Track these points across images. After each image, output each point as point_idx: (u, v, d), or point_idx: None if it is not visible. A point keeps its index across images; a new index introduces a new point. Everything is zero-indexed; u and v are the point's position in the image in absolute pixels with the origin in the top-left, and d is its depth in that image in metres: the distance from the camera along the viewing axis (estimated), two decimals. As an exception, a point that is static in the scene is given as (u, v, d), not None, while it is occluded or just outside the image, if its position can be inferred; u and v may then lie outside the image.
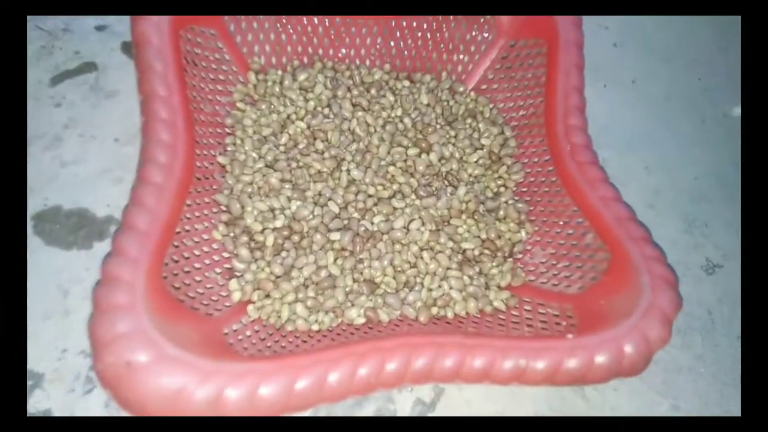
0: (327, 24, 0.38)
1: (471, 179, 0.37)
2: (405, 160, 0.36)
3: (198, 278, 0.29)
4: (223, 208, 0.32)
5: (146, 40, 0.30)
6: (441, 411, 0.32)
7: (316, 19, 0.38)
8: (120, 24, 0.40)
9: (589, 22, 0.45)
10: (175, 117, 0.29)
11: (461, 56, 0.41)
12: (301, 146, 0.35)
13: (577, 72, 0.36)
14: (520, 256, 0.36)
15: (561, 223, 0.35)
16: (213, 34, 0.35)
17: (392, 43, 0.40)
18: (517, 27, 0.39)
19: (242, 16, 0.36)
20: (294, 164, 0.34)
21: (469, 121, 0.39)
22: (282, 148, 0.35)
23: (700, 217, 0.44)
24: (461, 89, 0.41)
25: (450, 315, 0.32)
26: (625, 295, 0.29)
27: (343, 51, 0.40)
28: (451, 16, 0.39)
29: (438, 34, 0.40)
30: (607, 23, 0.50)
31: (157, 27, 0.30)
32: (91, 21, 0.40)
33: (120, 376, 0.21)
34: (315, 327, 0.30)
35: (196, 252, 0.29)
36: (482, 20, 0.40)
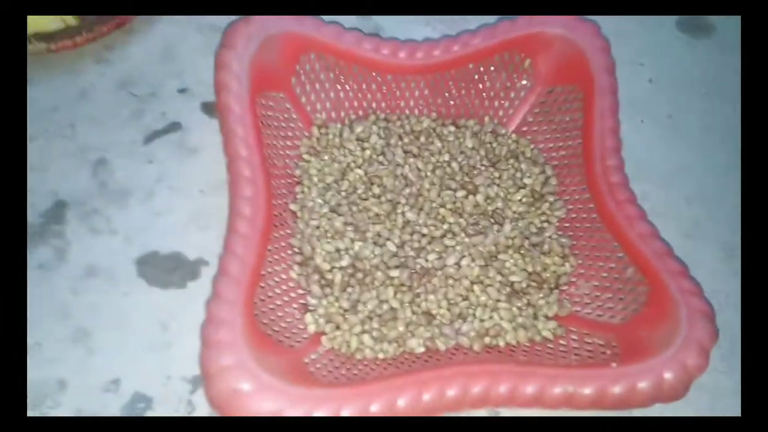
0: (380, 80, 0.43)
1: (516, 216, 0.40)
2: (454, 202, 0.39)
3: (280, 314, 0.33)
4: (297, 251, 0.37)
5: (229, 109, 0.35)
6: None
7: (370, 76, 0.42)
8: (198, 86, 0.46)
9: (623, 59, 0.47)
10: (256, 174, 0.34)
11: (502, 102, 0.45)
12: (360, 191, 0.40)
13: (612, 115, 0.39)
14: (565, 287, 0.38)
15: (603, 257, 0.37)
16: (282, 97, 0.40)
17: (438, 93, 0.44)
18: (553, 74, 0.42)
19: (306, 79, 0.41)
20: (354, 208, 0.39)
21: (511, 161, 0.43)
22: (343, 194, 0.40)
23: (738, 247, 0.46)
24: (503, 132, 0.45)
25: (502, 344, 0.35)
26: (665, 326, 0.31)
27: (394, 103, 0.44)
28: (492, 67, 0.43)
29: (480, 84, 0.44)
30: (641, 59, 0.53)
31: (237, 97, 0.35)
32: (174, 84, 0.46)
33: (229, 401, 0.25)
34: (381, 355, 0.33)
35: (277, 291, 0.34)
36: (521, 69, 0.43)
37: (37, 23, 0.41)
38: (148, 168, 0.42)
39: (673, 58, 0.54)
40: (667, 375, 0.29)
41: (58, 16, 0.41)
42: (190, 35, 0.48)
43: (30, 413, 0.32)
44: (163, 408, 0.33)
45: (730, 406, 0.38)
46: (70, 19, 0.42)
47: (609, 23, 0.48)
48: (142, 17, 0.47)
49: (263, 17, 0.38)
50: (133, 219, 0.39)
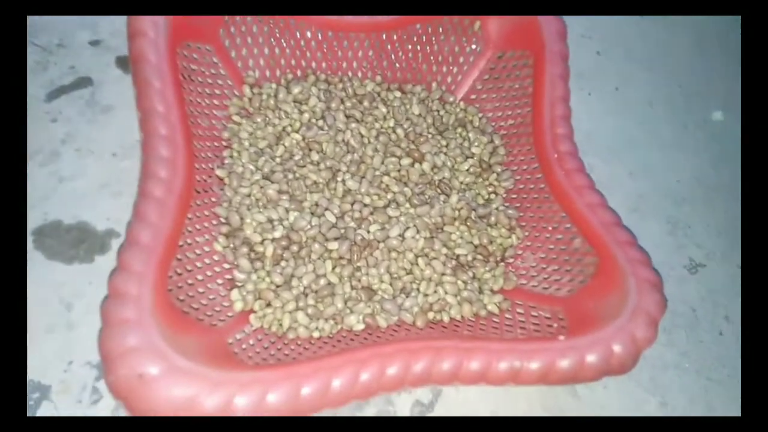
0: (320, 37, 0.39)
1: (463, 187, 0.38)
2: (399, 170, 0.37)
3: (201, 290, 0.29)
4: (223, 220, 0.33)
5: (144, 58, 0.30)
6: (439, 411, 0.34)
7: (309, 33, 0.39)
8: (114, 38, 0.41)
9: (572, 32, 0.46)
10: (174, 133, 0.30)
11: (451, 67, 0.42)
12: (297, 158, 0.36)
13: (563, 83, 0.38)
14: (511, 260, 0.37)
15: (550, 228, 0.36)
16: (208, 49, 0.36)
17: (383, 56, 0.41)
18: (504, 39, 0.40)
19: (237, 32, 0.37)
20: (290, 175, 0.35)
21: (459, 130, 0.40)
22: (278, 160, 0.36)
23: (683, 219, 0.46)
24: (451, 99, 0.42)
25: (446, 319, 0.33)
26: (613, 297, 0.30)
27: (335, 64, 0.41)
28: (440, 28, 0.40)
29: (428, 47, 0.41)
30: (590, 33, 0.52)
31: (154, 44, 0.31)
32: (86, 36, 0.41)
33: (132, 388, 0.22)
34: (316, 334, 0.31)
35: (198, 264, 0.30)
36: (470, 32, 0.41)
37: None
38: (52, 127, 0.37)
39: (621, 32, 0.53)
40: (616, 347, 0.27)
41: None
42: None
43: None
44: (62, 398, 0.29)
45: (672, 380, 0.38)
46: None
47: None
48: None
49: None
50: (32, 183, 0.34)
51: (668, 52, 0.53)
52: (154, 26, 0.31)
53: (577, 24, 0.51)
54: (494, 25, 0.40)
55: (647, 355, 0.38)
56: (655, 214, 0.45)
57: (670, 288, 0.39)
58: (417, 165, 0.37)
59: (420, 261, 0.34)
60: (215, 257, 0.32)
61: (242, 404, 0.23)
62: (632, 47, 0.53)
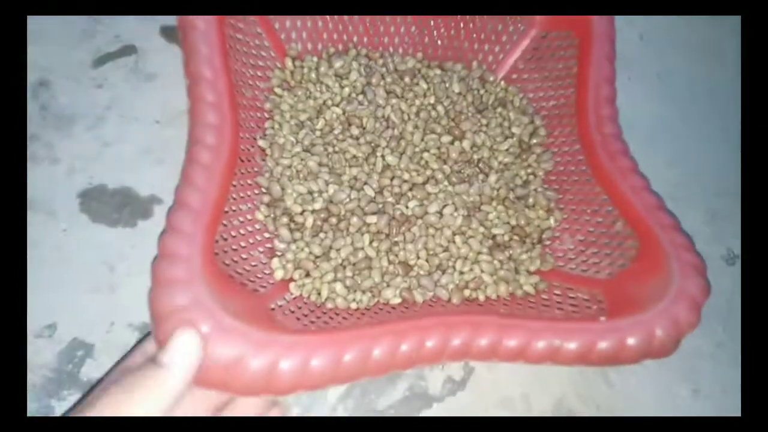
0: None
1: (501, 167, 0.38)
2: (438, 147, 0.37)
3: (244, 256, 0.30)
4: (264, 190, 0.33)
5: (192, 24, 0.31)
6: (470, 390, 0.34)
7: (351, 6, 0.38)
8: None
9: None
10: (221, 100, 0.30)
11: (493, 46, 0.42)
12: (336, 131, 0.36)
13: (609, 64, 0.37)
14: (548, 242, 0.36)
15: (590, 211, 0.35)
16: (253, 20, 0.36)
17: (425, 32, 0.41)
18: (549, 18, 0.40)
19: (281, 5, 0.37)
20: (330, 149, 0.35)
21: (499, 110, 0.40)
22: (318, 133, 0.36)
23: (721, 210, 0.45)
24: (491, 78, 0.42)
25: (482, 297, 0.33)
26: (655, 280, 0.30)
27: (377, 39, 0.40)
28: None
29: (471, 24, 0.41)
30: (633, 17, 0.51)
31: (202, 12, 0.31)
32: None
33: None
34: (353, 305, 0.31)
35: (242, 231, 0.30)
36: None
37: None
38: (97, 93, 0.37)
39: (665, 18, 0.52)
40: (658, 331, 0.27)
41: None
42: None
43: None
44: (104, 357, 0.30)
45: (706, 369, 0.38)
46: None
47: None
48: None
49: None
50: (77, 148, 0.35)
51: (714, 41, 0.51)
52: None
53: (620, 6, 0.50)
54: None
55: (682, 345, 0.38)
56: (692, 204, 0.45)
57: (707, 278, 0.40)
58: (457, 143, 0.37)
59: (457, 239, 0.34)
60: (257, 225, 0.32)
61: (286, 367, 0.23)
62: (676, 35, 0.51)
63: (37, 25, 0.37)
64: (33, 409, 0.29)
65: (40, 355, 0.29)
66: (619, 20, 0.50)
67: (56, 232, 0.33)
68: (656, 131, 0.47)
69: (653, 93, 0.49)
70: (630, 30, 0.51)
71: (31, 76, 0.37)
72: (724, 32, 0.52)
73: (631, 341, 0.27)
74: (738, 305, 0.41)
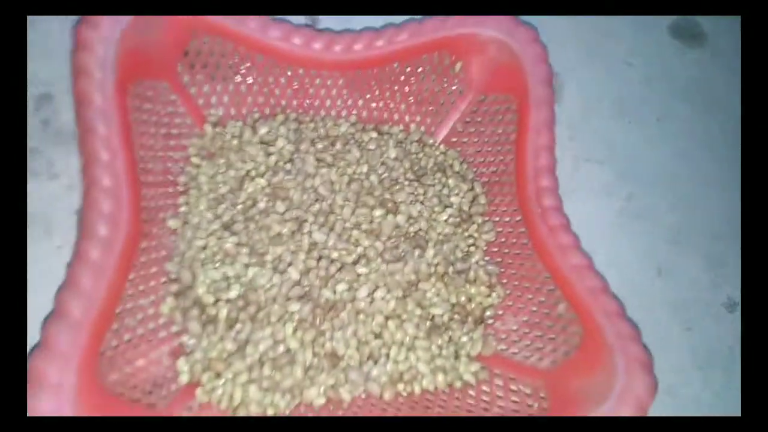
0: (290, 74, 0.36)
1: (440, 238, 0.36)
2: (371, 222, 0.34)
3: (140, 363, 0.26)
4: (173, 277, 0.30)
5: (87, 100, 0.27)
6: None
7: (278, 69, 0.36)
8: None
9: (615, 58, 0.49)
10: (119, 184, 0.27)
11: (430, 108, 0.40)
12: (261, 205, 0.33)
13: (547, 130, 0.35)
14: (491, 321, 0.34)
15: (533, 288, 0.33)
16: (165, 87, 0.33)
17: (359, 94, 0.38)
18: (486, 82, 0.38)
19: (197, 67, 0.34)
20: (252, 226, 0.32)
21: (438, 175, 0.38)
22: (240, 207, 0.33)
23: (721, 255, 0.44)
24: (431, 141, 0.40)
25: (417, 390, 0.30)
26: (598, 376, 0.28)
27: (307, 102, 0.38)
28: (419, 68, 0.38)
29: (406, 87, 0.39)
30: (632, 60, 0.50)
31: (100, 85, 0.28)
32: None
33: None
34: (270, 411, 0.27)
35: (140, 331, 0.27)
36: (451, 73, 0.38)
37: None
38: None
39: (664, 63, 0.52)
40: (600, 437, 0.25)
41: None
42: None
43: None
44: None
45: None
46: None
47: (602, 22, 0.50)
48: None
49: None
50: (77, 165, 0.32)
51: (712, 87, 0.51)
52: (101, 63, 0.28)
53: (618, 48, 0.50)
54: (476, 66, 0.38)
55: (681, 394, 0.37)
56: (693, 249, 0.44)
57: (707, 325, 0.41)
58: (390, 216, 0.34)
59: (390, 323, 0.31)
60: (161, 320, 0.29)
61: None
62: (676, 79, 0.51)
63: (41, 39, 0.37)
64: None
65: None
66: (619, 63, 0.50)
67: (51, 248, 0.32)
68: (657, 175, 0.46)
69: (653, 137, 0.48)
70: (629, 74, 0.50)
71: (34, 90, 0.36)
72: (725, 76, 0.52)
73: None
74: (738, 353, 0.40)
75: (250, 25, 0.33)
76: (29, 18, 0.37)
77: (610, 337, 0.28)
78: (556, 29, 0.51)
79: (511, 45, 0.36)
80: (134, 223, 0.27)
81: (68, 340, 0.22)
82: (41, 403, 0.20)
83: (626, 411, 0.25)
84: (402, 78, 0.38)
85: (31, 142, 0.35)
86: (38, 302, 0.29)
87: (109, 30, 0.28)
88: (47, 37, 0.37)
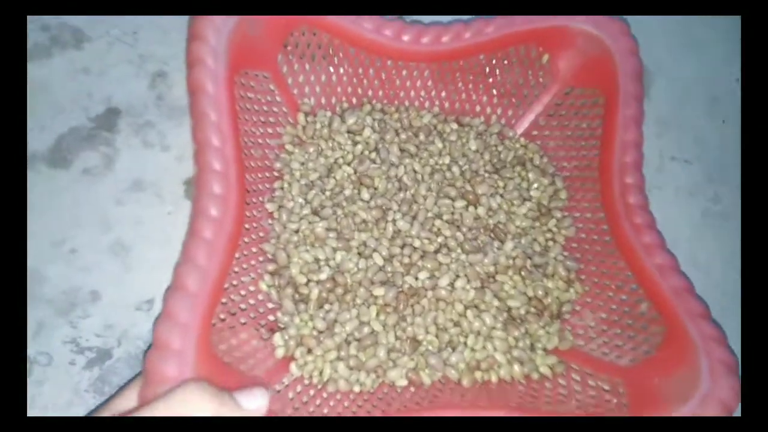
0: (378, 65, 0.38)
1: (519, 231, 0.36)
2: (452, 213, 0.35)
3: (244, 335, 0.29)
4: (270, 257, 0.32)
5: (201, 88, 0.30)
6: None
7: (368, 60, 0.37)
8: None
9: (714, 58, 0.48)
10: (228, 168, 0.29)
11: (512, 99, 0.40)
12: (347, 192, 0.35)
13: (636, 127, 0.35)
14: (568, 316, 0.34)
15: (613, 286, 0.33)
16: (266, 76, 0.35)
17: (442, 86, 0.39)
18: (574, 74, 0.38)
19: (295, 58, 0.36)
20: (340, 211, 0.34)
21: (518, 169, 0.38)
22: (328, 194, 0.35)
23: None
24: (510, 134, 0.40)
25: (494, 379, 0.31)
26: (681, 376, 0.28)
27: (393, 92, 0.39)
28: (505, 60, 0.38)
29: (490, 78, 0.39)
30: (731, 60, 0.49)
31: (212, 74, 0.30)
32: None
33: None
34: (356, 388, 0.29)
35: (243, 306, 0.29)
36: (537, 65, 0.38)
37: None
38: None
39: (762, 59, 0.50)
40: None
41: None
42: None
43: (58, 320, 0.32)
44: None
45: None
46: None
47: (699, 24, 0.49)
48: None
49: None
50: (188, 138, 0.35)
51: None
52: (214, 54, 0.30)
53: (716, 50, 0.48)
54: (564, 59, 0.38)
55: None
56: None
57: None
58: (471, 208, 0.35)
59: (469, 313, 0.32)
60: (260, 296, 0.31)
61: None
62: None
63: (157, 20, 0.40)
64: (127, 375, 0.31)
65: (137, 328, 0.32)
66: (715, 61, 0.47)
67: (162, 213, 0.35)
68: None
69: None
70: (727, 73, 0.48)
71: (150, 68, 0.39)
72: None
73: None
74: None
75: (344, 18, 0.35)
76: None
77: (694, 337, 0.28)
78: (648, 23, 0.49)
79: (601, 37, 0.36)
80: (240, 205, 0.29)
81: (187, 311, 0.25)
82: (167, 368, 0.23)
83: (710, 412, 0.25)
84: (487, 70, 0.39)
85: (147, 116, 0.38)
86: (153, 257, 0.34)
87: (222, 23, 0.30)
88: (162, 19, 0.40)
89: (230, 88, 0.31)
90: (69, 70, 0.38)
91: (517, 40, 0.37)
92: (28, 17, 0.38)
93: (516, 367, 0.31)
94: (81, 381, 0.31)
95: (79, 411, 0.30)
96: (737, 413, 0.26)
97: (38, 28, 0.39)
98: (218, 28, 0.30)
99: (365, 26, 0.35)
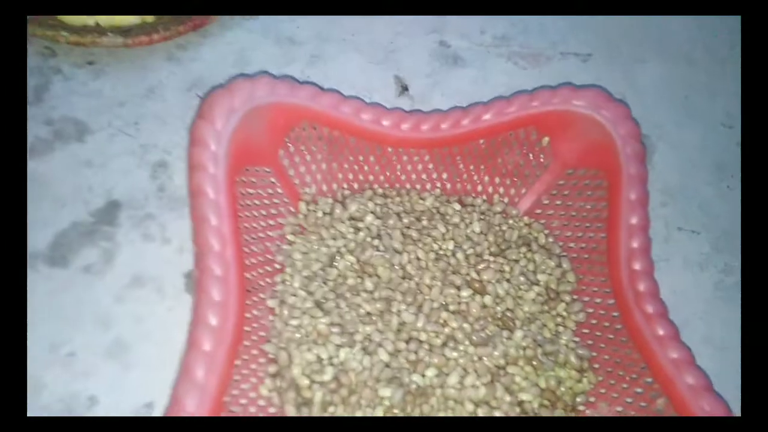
0: (379, 152, 0.38)
1: (527, 317, 0.35)
2: (458, 303, 0.34)
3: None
4: (270, 356, 0.31)
5: (202, 192, 0.30)
6: None
7: (368, 148, 0.37)
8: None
9: (712, 120, 0.48)
10: (228, 272, 0.29)
11: (515, 179, 0.40)
12: (350, 282, 0.34)
13: (641, 210, 0.35)
14: (582, 408, 0.33)
15: (628, 378, 0.32)
16: (267, 171, 0.35)
17: (442, 168, 0.39)
18: (575, 157, 0.38)
19: (296, 151, 0.36)
20: (343, 303, 0.33)
21: (523, 250, 0.38)
22: (331, 284, 0.34)
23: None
24: (514, 212, 0.40)
25: (508, 484, 0.29)
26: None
27: (393, 176, 0.39)
28: (504, 145, 0.38)
29: (491, 161, 0.39)
30: (731, 122, 0.49)
31: (213, 179, 0.30)
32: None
33: None
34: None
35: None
36: (538, 147, 0.38)
37: (115, 18, 0.40)
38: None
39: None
40: None
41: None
42: (265, 45, 0.45)
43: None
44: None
45: None
46: (148, 17, 0.41)
47: (701, 76, 0.49)
48: (218, 23, 0.45)
49: (250, 83, 0.32)
50: (188, 229, 0.35)
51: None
52: (214, 159, 0.30)
53: (717, 109, 0.49)
54: (565, 142, 0.38)
55: None
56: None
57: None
58: (478, 297, 0.34)
59: (479, 411, 0.31)
60: (261, 402, 0.30)
61: None
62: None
63: (160, 108, 0.41)
64: None
65: None
66: (716, 124, 0.47)
67: (163, 309, 0.34)
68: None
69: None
70: (728, 137, 0.48)
71: (152, 158, 0.39)
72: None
73: None
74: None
75: (345, 110, 0.35)
76: (152, 84, 0.41)
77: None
78: (648, 85, 0.49)
79: (601, 122, 0.36)
80: (241, 310, 0.29)
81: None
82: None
83: None
84: (487, 152, 0.39)
85: (148, 208, 0.37)
86: (153, 356, 0.33)
87: (222, 126, 0.31)
88: (165, 106, 0.41)
89: (231, 190, 0.31)
90: (71, 163, 0.38)
91: (516, 124, 0.37)
92: (29, 112, 0.39)
93: (530, 471, 0.30)
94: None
95: None
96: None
97: (42, 122, 0.39)
98: (219, 132, 0.30)
99: (365, 117, 0.35)
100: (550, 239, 0.39)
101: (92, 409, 0.31)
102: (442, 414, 0.31)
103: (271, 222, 0.35)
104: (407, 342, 0.33)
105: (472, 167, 0.39)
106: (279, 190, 0.36)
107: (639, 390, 0.31)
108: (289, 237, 0.36)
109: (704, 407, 0.28)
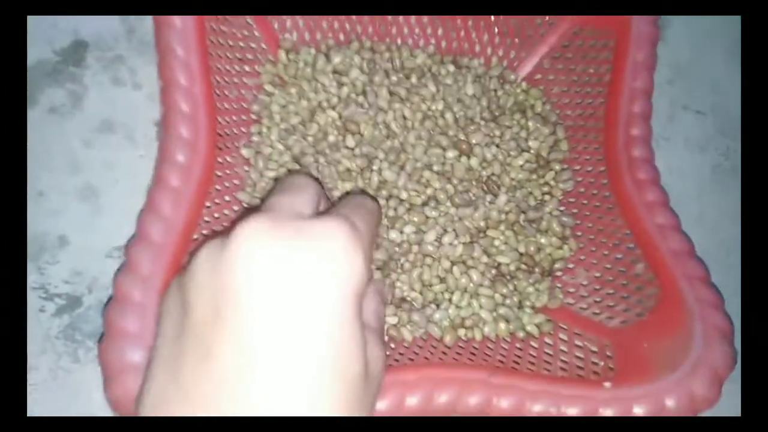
0: (368, -2, 0.34)
1: (514, 184, 0.34)
2: (443, 163, 0.33)
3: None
4: (245, 205, 0.31)
5: (167, 21, 0.27)
6: None
7: (355, -8, 0.34)
8: None
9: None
10: (197, 109, 0.27)
11: (515, 40, 0.37)
12: (331, 139, 0.33)
13: (647, 73, 0.32)
14: (559, 273, 0.33)
15: (610, 244, 0.32)
16: (242, 8, 0.31)
17: (438, 21, 0.36)
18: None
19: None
20: (322, 159, 0.32)
21: (517, 116, 0.35)
22: (311, 140, 0.33)
23: None
24: (512, 77, 0.37)
25: (478, 337, 0.30)
26: (673, 341, 0.26)
27: (383, 27, 0.36)
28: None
29: (491, 15, 0.35)
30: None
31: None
32: None
33: (129, 412, 0.20)
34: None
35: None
36: None
37: None
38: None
39: None
40: (669, 404, 0.24)
41: None
42: None
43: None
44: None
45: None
46: None
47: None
48: None
49: None
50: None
51: None
52: (180, -18, 0.27)
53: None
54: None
55: None
56: None
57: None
58: (464, 159, 0.33)
59: (455, 269, 0.31)
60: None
61: None
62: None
63: None
64: (99, 323, 0.30)
65: (107, 276, 0.31)
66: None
67: (134, 157, 0.33)
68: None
69: None
70: None
71: None
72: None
73: (637, 412, 0.24)
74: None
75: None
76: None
77: (690, 302, 0.26)
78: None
79: (616, -29, 0.32)
80: (211, 150, 0.27)
81: (149, 262, 0.23)
82: (127, 322, 0.22)
83: (699, 382, 0.24)
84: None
85: (117, 50, 0.35)
86: (124, 203, 0.31)
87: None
88: None
89: (200, 23, 0.28)
90: (32, -2, 0.35)
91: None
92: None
93: (502, 325, 0.30)
94: (51, 328, 0.30)
95: (51, 358, 0.29)
96: (737, 414, 0.25)
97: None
98: (183, -51, 0.27)
99: (353, -48, 0.31)
100: (548, 107, 0.36)
101: (63, 249, 0.31)
102: (418, 270, 0.30)
103: (247, 68, 0.33)
104: (387, 199, 0.32)
105: (470, 22, 0.36)
106: (256, 33, 0.33)
107: (619, 255, 0.31)
108: (267, 87, 0.33)
109: (685, 271, 0.28)
